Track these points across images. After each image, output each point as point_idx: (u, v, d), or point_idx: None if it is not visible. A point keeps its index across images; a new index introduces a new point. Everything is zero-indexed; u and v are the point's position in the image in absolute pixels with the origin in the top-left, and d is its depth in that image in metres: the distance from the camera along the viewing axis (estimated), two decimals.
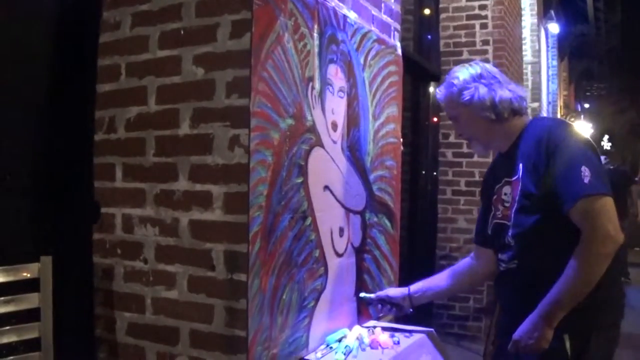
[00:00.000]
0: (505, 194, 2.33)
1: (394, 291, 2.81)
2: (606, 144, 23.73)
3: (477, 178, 5.74)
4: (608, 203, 2.04)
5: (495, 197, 2.39)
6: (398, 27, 3.45)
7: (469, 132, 2.43)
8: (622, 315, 2.23)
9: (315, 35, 2.54)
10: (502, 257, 2.35)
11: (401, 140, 3.43)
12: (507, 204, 2.32)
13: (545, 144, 2.13)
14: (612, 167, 10.23)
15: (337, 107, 2.73)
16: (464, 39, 5.89)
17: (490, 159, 5.63)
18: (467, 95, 2.30)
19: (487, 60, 5.37)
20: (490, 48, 5.77)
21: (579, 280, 2.06)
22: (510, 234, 2.28)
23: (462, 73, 2.36)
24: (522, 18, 7.76)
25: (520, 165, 2.23)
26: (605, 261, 2.04)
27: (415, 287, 2.73)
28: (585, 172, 2.03)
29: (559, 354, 2.11)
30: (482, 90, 2.28)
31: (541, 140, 2.16)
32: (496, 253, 2.40)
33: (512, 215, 2.27)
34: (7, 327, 2.05)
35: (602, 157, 10.15)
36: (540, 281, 2.13)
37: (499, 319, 2.35)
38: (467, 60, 5.82)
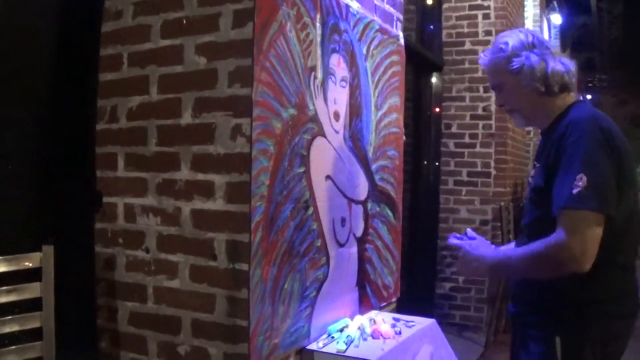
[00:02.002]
0: (531, 177, 2.27)
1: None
2: None
3: (478, 168, 5.74)
4: (588, 221, 1.87)
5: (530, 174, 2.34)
6: (401, 17, 3.44)
7: (512, 103, 2.26)
8: (630, 328, 2.09)
9: (318, 24, 2.53)
10: (517, 241, 2.32)
11: (403, 130, 3.43)
12: (531, 187, 2.27)
13: (560, 139, 2.01)
14: None
15: (339, 96, 2.72)
16: (466, 30, 5.87)
17: (492, 150, 5.66)
18: (517, 63, 2.13)
19: None
20: (492, 39, 5.73)
21: (525, 264, 2.02)
22: (523, 220, 2.26)
23: (512, 39, 2.18)
24: (525, 9, 7.74)
25: (543, 154, 2.13)
26: (551, 273, 1.94)
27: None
28: (580, 181, 1.88)
29: (548, 356, 2.08)
30: (534, 59, 2.12)
31: (560, 133, 2.04)
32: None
33: (527, 202, 2.24)
34: (9, 317, 2.05)
35: None
36: None
37: (509, 308, 2.30)
38: (470, 51, 5.85)
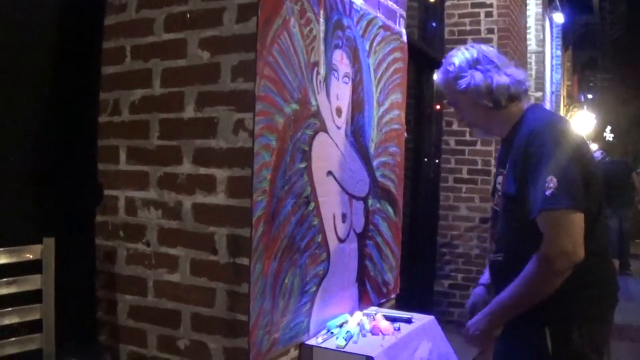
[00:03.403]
0: (499, 184, 2.31)
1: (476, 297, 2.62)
2: (608, 135, 23.65)
3: (479, 166, 5.73)
4: (568, 217, 1.96)
5: (496, 180, 2.38)
6: (404, 13, 3.44)
7: (468, 118, 2.36)
8: (611, 309, 2.19)
9: (321, 20, 2.53)
10: (494, 245, 2.35)
11: (405, 127, 3.43)
12: (499, 194, 2.31)
13: (525, 146, 2.08)
14: (610, 159, 10.24)
15: (341, 92, 2.72)
16: (468, 27, 5.86)
17: (492, 148, 5.66)
18: (463, 83, 2.21)
19: None
20: (494, 37, 5.74)
21: (526, 291, 2.04)
22: (499, 227, 2.29)
23: (457, 58, 2.26)
24: (527, 7, 7.73)
25: (509, 162, 2.18)
26: (557, 278, 1.98)
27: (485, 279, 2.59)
28: (551, 182, 1.96)
29: (539, 346, 2.11)
30: (478, 77, 2.19)
31: (522, 141, 2.10)
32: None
33: (500, 210, 2.27)
34: (9, 309, 2.06)
35: (599, 152, 9.88)
36: None
37: None
38: None
